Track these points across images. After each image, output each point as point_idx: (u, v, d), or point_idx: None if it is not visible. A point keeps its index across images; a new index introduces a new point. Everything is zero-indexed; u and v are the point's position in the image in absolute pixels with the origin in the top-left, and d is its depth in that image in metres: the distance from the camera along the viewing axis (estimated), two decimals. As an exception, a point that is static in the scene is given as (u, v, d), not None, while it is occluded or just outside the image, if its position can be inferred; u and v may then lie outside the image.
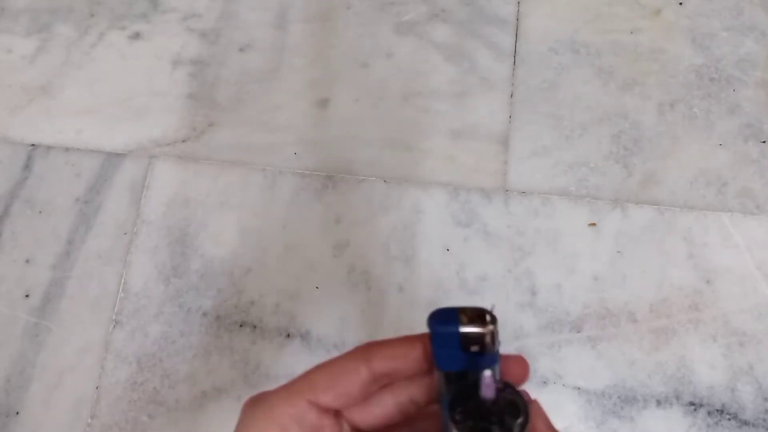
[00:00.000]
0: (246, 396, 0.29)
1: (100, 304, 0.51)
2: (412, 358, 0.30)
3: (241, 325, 0.50)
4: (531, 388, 0.47)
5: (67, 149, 0.56)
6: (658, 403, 0.48)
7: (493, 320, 0.27)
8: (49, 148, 0.56)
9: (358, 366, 0.29)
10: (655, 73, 0.58)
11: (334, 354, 0.49)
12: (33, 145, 0.57)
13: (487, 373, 0.26)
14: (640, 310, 0.50)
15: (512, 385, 0.28)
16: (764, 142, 0.55)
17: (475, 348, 0.27)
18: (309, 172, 0.55)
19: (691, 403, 0.48)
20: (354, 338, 0.49)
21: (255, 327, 0.50)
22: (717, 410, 0.47)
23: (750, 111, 0.56)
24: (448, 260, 0.52)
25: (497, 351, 0.28)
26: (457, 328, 0.27)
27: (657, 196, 0.53)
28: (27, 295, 0.51)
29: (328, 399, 0.29)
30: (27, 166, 0.56)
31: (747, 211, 0.53)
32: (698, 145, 0.55)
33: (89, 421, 0.47)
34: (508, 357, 0.29)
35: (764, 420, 0.47)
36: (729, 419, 0.47)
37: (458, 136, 0.56)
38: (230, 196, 0.54)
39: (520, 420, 0.26)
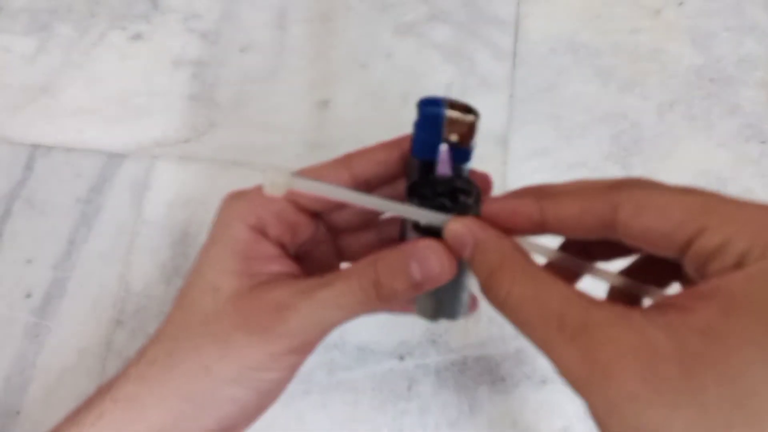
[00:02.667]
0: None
1: (101, 305, 0.51)
2: (392, 161, 0.31)
3: (241, 325, 0.50)
4: (530, 389, 0.47)
5: (68, 149, 0.56)
6: (658, 403, 0.48)
7: (476, 114, 0.28)
8: (49, 148, 0.57)
9: (339, 171, 0.30)
10: (655, 74, 0.58)
11: (335, 354, 0.49)
12: (34, 145, 0.57)
13: (443, 147, 0.27)
14: (640, 310, 0.50)
15: (469, 179, 0.28)
16: (765, 142, 0.55)
17: (454, 137, 0.28)
18: (309, 172, 0.55)
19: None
20: (354, 339, 0.49)
21: (255, 327, 0.50)
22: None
23: (750, 111, 0.56)
24: (448, 260, 0.52)
25: (471, 150, 0.29)
26: (442, 110, 0.27)
27: (657, 196, 0.53)
28: (28, 295, 0.51)
29: (306, 201, 0.30)
30: (28, 166, 0.56)
31: (747, 211, 0.52)
32: (698, 145, 0.55)
33: (90, 420, 0.47)
34: (473, 171, 0.31)
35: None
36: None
37: (458, 136, 0.56)
38: (231, 196, 0.54)
39: (471, 199, 0.27)
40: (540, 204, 0.24)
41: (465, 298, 0.29)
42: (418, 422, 0.46)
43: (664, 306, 0.20)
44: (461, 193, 0.27)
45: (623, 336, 0.19)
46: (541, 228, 0.24)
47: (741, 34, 0.59)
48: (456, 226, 0.25)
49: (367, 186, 0.31)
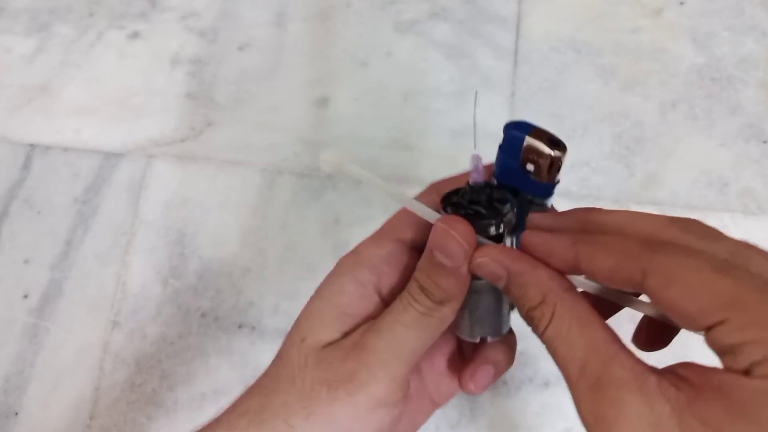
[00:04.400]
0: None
1: (99, 305, 0.50)
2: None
3: (239, 327, 0.50)
4: (532, 391, 0.47)
5: (65, 149, 0.56)
6: (660, 404, 0.47)
7: (563, 149, 0.26)
8: (47, 147, 0.56)
9: (431, 198, 0.29)
10: (656, 73, 0.58)
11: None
12: (32, 144, 0.56)
13: (477, 155, 0.26)
14: (641, 310, 0.50)
15: (504, 190, 0.27)
16: (765, 142, 0.55)
17: (530, 166, 0.26)
18: (308, 171, 0.55)
19: (693, 405, 0.47)
20: (354, 339, 0.48)
21: (254, 328, 0.50)
22: (719, 411, 0.47)
23: (751, 111, 0.56)
24: (448, 261, 0.52)
25: (553, 185, 0.27)
26: (524, 135, 0.26)
27: (659, 196, 0.53)
28: (26, 296, 0.51)
29: (411, 234, 0.29)
30: (26, 166, 0.56)
31: (749, 211, 0.52)
32: (699, 145, 0.55)
33: (88, 422, 0.47)
34: (554, 209, 0.29)
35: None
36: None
37: (458, 135, 0.55)
38: (229, 196, 0.54)
39: (505, 209, 0.26)
40: (576, 248, 0.24)
41: (503, 313, 0.28)
42: (418, 424, 0.46)
43: (681, 378, 0.20)
44: (497, 202, 0.26)
45: (632, 402, 0.20)
46: (575, 270, 0.24)
47: (741, 34, 0.59)
48: (483, 260, 0.25)
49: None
